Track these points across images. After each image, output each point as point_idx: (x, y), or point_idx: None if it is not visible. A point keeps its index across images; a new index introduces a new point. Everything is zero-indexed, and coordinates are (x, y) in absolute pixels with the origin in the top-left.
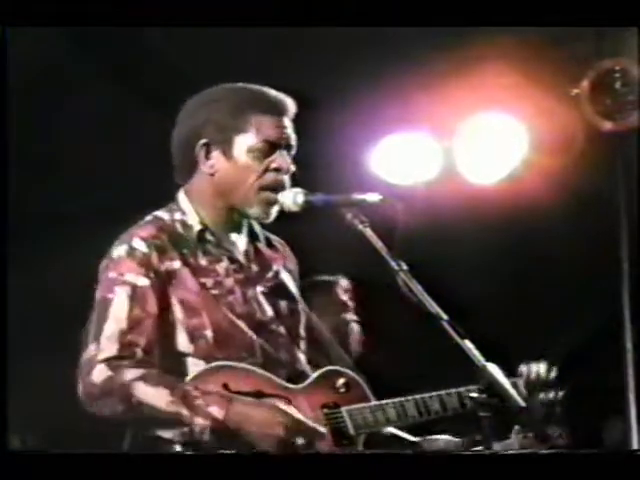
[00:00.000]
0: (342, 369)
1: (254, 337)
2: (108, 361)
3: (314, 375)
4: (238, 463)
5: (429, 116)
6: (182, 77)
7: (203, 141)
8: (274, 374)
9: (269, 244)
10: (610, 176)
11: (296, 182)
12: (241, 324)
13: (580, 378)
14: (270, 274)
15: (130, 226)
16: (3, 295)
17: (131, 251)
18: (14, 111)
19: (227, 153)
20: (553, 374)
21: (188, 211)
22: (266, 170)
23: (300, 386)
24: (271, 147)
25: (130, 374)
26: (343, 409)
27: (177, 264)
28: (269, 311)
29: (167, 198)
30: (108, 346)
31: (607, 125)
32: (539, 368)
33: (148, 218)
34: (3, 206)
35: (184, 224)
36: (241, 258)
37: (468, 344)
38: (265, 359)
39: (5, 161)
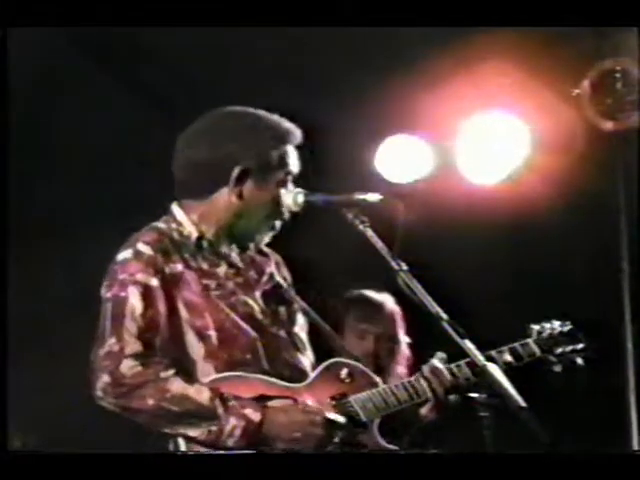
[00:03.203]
0: (344, 360)
1: (257, 338)
2: (136, 356)
3: (317, 371)
4: (242, 463)
5: (430, 116)
6: (183, 77)
7: (241, 167)
8: (277, 374)
9: (259, 251)
10: (610, 176)
11: (296, 182)
12: (243, 325)
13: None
14: (265, 278)
15: (130, 225)
16: (3, 295)
17: (137, 254)
18: (14, 111)
19: (261, 183)
20: (568, 327)
21: (184, 222)
22: (283, 204)
23: (304, 383)
24: (289, 180)
25: (164, 370)
26: (351, 398)
27: (180, 267)
28: (268, 314)
29: (167, 197)
30: (132, 342)
31: (608, 125)
32: (552, 324)
33: (146, 228)
34: (3, 206)
35: (180, 233)
36: (238, 263)
37: (468, 344)
38: (268, 360)
39: (6, 161)
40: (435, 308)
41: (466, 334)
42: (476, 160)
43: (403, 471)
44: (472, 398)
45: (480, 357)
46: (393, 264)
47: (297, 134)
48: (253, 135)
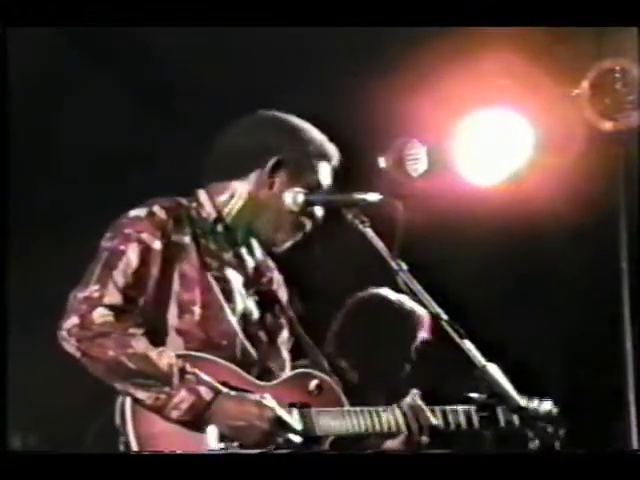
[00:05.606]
0: (315, 372)
1: (237, 327)
2: (112, 307)
3: (286, 375)
4: (234, 463)
5: (429, 116)
6: (183, 77)
7: (278, 157)
8: (246, 369)
9: (263, 258)
10: (610, 176)
11: None
12: (229, 313)
13: (581, 416)
14: (264, 280)
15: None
16: (3, 295)
17: (150, 215)
18: (14, 111)
19: (293, 181)
20: (548, 408)
21: (206, 204)
22: (310, 214)
23: (271, 383)
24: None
25: (134, 327)
26: (312, 410)
27: (187, 239)
28: (256, 315)
29: (167, 196)
30: (114, 293)
31: (607, 125)
32: (534, 404)
33: (168, 198)
34: (3, 206)
35: (199, 213)
36: (245, 256)
37: (468, 344)
38: (242, 351)
39: (6, 160)
40: (435, 308)
41: (466, 334)
42: (476, 160)
43: (403, 471)
44: (471, 399)
45: (480, 358)
46: (393, 264)
47: (336, 155)
48: (296, 136)
